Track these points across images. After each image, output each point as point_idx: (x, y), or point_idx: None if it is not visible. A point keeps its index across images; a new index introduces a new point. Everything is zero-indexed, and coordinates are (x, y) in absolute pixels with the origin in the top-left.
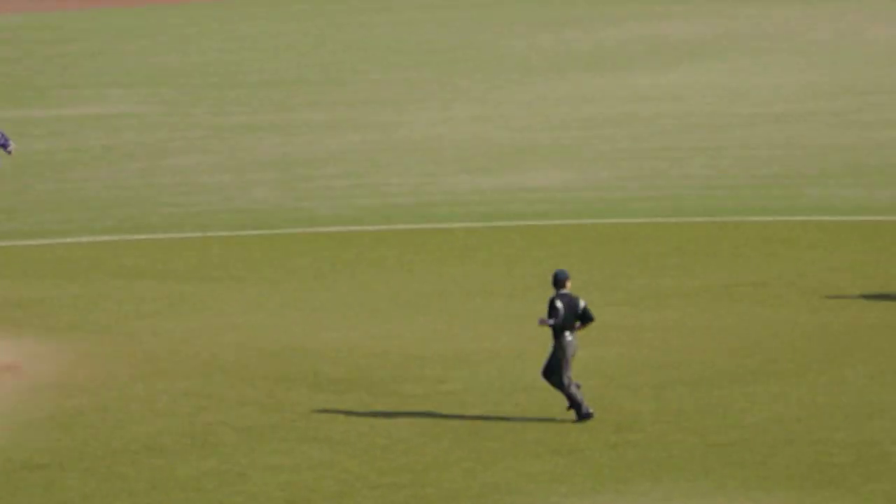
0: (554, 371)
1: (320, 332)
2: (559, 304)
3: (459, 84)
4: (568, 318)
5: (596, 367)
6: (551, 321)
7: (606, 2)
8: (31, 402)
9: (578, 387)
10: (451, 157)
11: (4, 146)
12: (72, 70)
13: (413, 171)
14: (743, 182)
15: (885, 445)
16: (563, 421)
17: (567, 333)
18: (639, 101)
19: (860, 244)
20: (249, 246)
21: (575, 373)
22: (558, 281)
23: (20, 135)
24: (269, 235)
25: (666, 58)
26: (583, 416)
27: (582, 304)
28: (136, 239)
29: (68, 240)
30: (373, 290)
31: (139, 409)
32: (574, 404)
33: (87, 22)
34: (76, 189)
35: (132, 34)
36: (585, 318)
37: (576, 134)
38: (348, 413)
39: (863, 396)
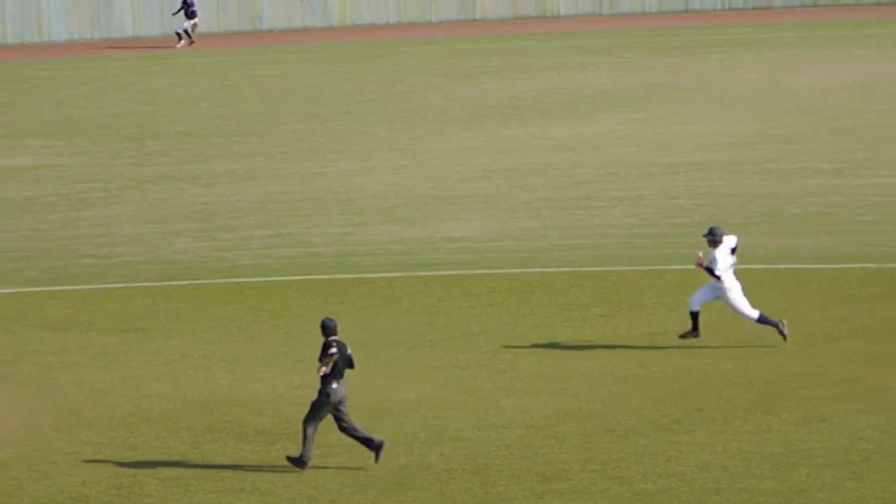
0: (312, 411)
1: (245, 382)
2: (334, 349)
3: (379, 134)
4: (341, 363)
5: (522, 417)
6: (326, 369)
7: (522, 53)
8: None
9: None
10: (372, 207)
11: None
12: None
13: (334, 221)
14: (665, 231)
15: (811, 493)
16: (487, 471)
17: (334, 382)
18: (558, 150)
19: (782, 291)
20: (173, 297)
21: (501, 421)
22: (328, 329)
23: None
24: (193, 286)
25: (584, 108)
26: (298, 460)
27: (349, 350)
28: (59, 290)
29: None
30: (297, 340)
31: (64, 461)
32: (304, 446)
33: (3, 73)
34: None
35: (48, 86)
36: (350, 364)
37: (496, 183)
38: (274, 464)
39: (788, 444)
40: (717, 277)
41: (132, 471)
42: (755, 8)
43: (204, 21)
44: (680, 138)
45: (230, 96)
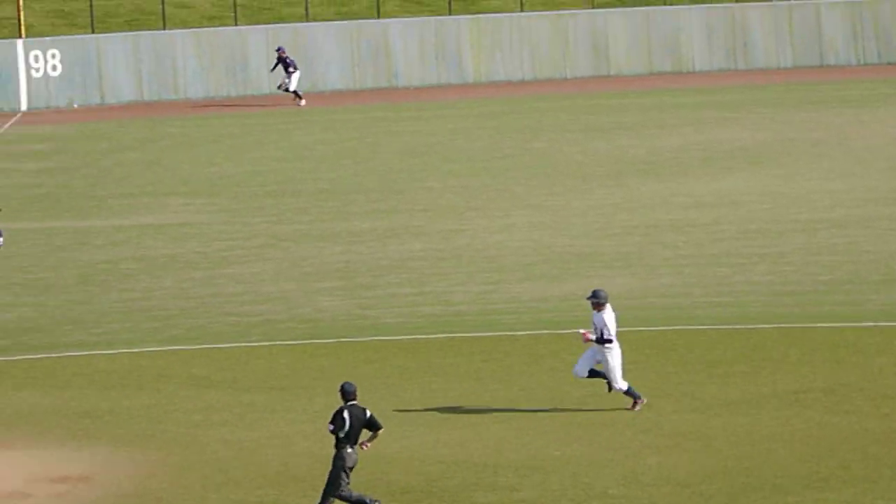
0: (333, 484)
1: (391, 440)
2: (346, 415)
3: (517, 191)
4: (356, 429)
5: (668, 474)
6: (331, 428)
7: (658, 108)
8: None
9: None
10: (512, 265)
11: None
12: (129, 180)
13: (476, 279)
14: (807, 288)
15: None
16: None
17: (349, 447)
18: (697, 207)
19: None
20: (316, 355)
21: (648, 479)
22: (347, 393)
23: (82, 244)
24: (336, 344)
25: (721, 163)
26: None
27: (368, 413)
28: (203, 348)
29: (136, 349)
30: (441, 398)
31: None
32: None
33: (143, 131)
34: (141, 298)
35: (187, 144)
36: (373, 426)
37: (636, 240)
38: None
39: None
40: (610, 341)
41: None
42: (889, 63)
43: (340, 79)
44: (818, 194)
45: (368, 153)
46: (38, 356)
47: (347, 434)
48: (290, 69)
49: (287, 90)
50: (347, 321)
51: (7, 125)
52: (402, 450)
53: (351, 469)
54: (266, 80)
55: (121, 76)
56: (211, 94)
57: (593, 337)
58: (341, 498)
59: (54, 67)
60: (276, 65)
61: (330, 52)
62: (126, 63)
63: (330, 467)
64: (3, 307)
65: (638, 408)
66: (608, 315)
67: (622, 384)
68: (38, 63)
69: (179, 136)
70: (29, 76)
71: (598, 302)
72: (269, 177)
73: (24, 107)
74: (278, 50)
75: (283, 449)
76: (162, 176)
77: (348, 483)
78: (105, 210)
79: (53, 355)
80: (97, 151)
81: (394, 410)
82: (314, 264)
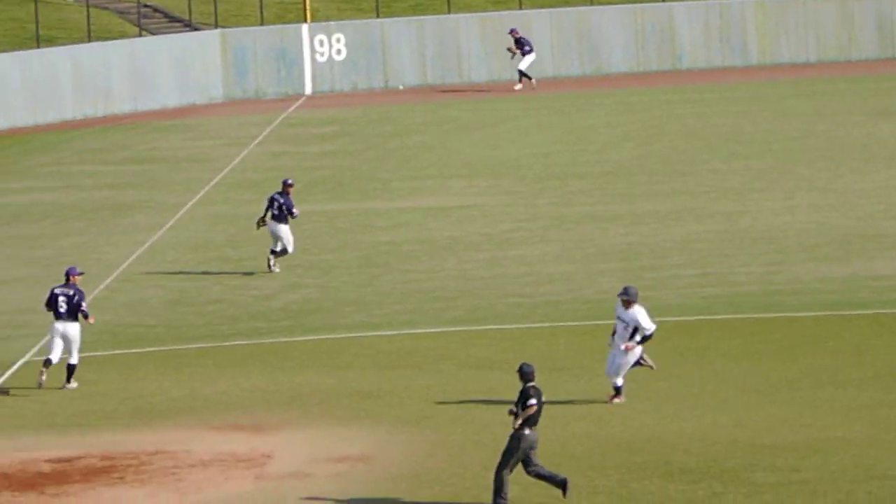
0: (505, 462)
1: (671, 421)
2: (534, 401)
3: (800, 173)
4: (536, 413)
5: None
6: (515, 410)
7: None
8: (384, 493)
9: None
10: (795, 246)
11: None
12: (413, 162)
13: (758, 260)
14: None
15: None
16: None
17: (527, 428)
18: None
19: None
20: (598, 336)
21: None
22: (526, 374)
23: (364, 226)
24: None
25: None
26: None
27: (543, 398)
28: (484, 329)
29: (416, 330)
30: (721, 379)
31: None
32: (498, 495)
33: (426, 115)
34: (423, 280)
35: (470, 126)
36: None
37: None
38: (699, 502)
39: None
40: (650, 337)
41: None
42: None
43: (624, 62)
44: None
45: (652, 136)
46: (321, 337)
47: (530, 415)
48: (527, 48)
49: (519, 71)
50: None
51: (292, 108)
52: (681, 431)
53: (531, 449)
54: (549, 63)
55: (405, 60)
56: (494, 78)
57: (635, 342)
58: (535, 475)
59: (338, 51)
60: (517, 47)
61: (614, 35)
62: (410, 47)
63: (506, 445)
64: (286, 288)
65: (616, 401)
66: (640, 312)
67: (620, 379)
68: (323, 47)
69: (462, 119)
70: (314, 60)
71: (628, 299)
72: (553, 159)
73: (308, 90)
74: (511, 31)
75: (562, 430)
76: (445, 158)
77: (536, 463)
78: (388, 192)
79: (335, 336)
80: (381, 134)
81: (673, 391)
82: (596, 246)
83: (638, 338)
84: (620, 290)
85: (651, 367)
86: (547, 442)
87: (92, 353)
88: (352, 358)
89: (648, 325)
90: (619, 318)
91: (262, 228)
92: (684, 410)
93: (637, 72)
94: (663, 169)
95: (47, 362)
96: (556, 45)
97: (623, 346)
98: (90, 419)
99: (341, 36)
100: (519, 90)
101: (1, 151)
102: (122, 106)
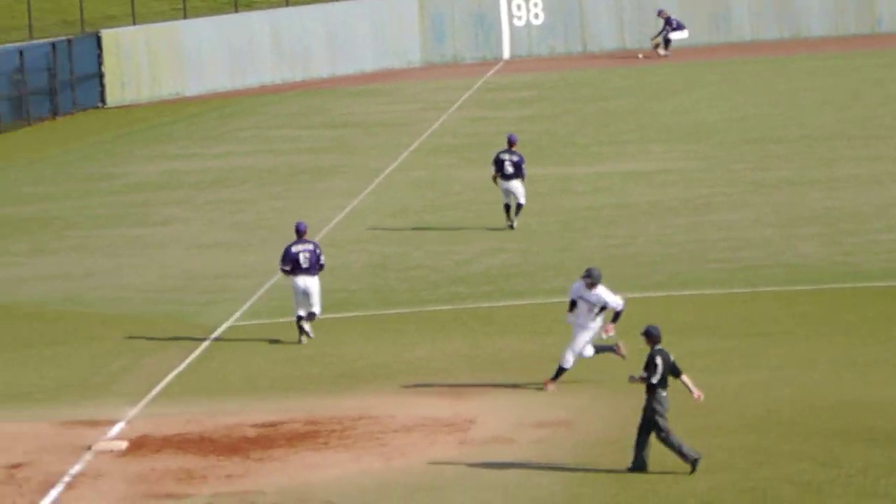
0: (658, 428)
1: (875, 387)
2: (659, 360)
3: None
4: (664, 374)
5: None
6: (645, 376)
7: None
8: (586, 459)
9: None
10: None
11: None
12: (612, 127)
13: None
14: None
15: None
16: None
17: (663, 391)
18: None
19: None
20: (798, 301)
21: None
22: (654, 337)
23: (564, 191)
24: (818, 290)
25: None
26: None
27: (672, 358)
28: (685, 294)
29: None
30: None
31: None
32: (683, 452)
33: (625, 80)
34: (622, 245)
35: (668, 91)
36: (675, 370)
37: None
38: None
39: None
40: (620, 313)
41: (764, 475)
42: None
43: (823, 26)
44: None
45: (850, 99)
46: (521, 302)
47: (661, 379)
48: (675, 27)
49: (663, 41)
50: (829, 267)
51: (490, 73)
52: (885, 397)
53: (666, 412)
54: (748, 28)
55: (602, 24)
56: (692, 43)
57: (613, 325)
58: (668, 444)
59: (536, 16)
60: (664, 28)
61: (811, 1)
62: (608, 12)
63: (643, 413)
64: (487, 253)
65: (550, 388)
66: (604, 291)
67: (568, 360)
68: (521, 12)
69: (661, 83)
70: (511, 25)
71: (592, 282)
72: (751, 123)
73: (506, 55)
74: (659, 13)
75: (765, 395)
76: (644, 123)
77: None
78: (587, 156)
79: (536, 301)
80: (580, 98)
81: (876, 357)
82: (796, 210)
83: (611, 328)
84: (584, 272)
85: (623, 357)
86: (752, 406)
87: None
88: (551, 324)
89: (616, 301)
90: (582, 298)
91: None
92: (888, 376)
93: (835, 36)
94: (862, 133)
95: (300, 318)
96: (754, 10)
97: (606, 329)
98: (294, 384)
99: (539, 1)
100: (642, 58)
101: (201, 116)
102: (320, 70)
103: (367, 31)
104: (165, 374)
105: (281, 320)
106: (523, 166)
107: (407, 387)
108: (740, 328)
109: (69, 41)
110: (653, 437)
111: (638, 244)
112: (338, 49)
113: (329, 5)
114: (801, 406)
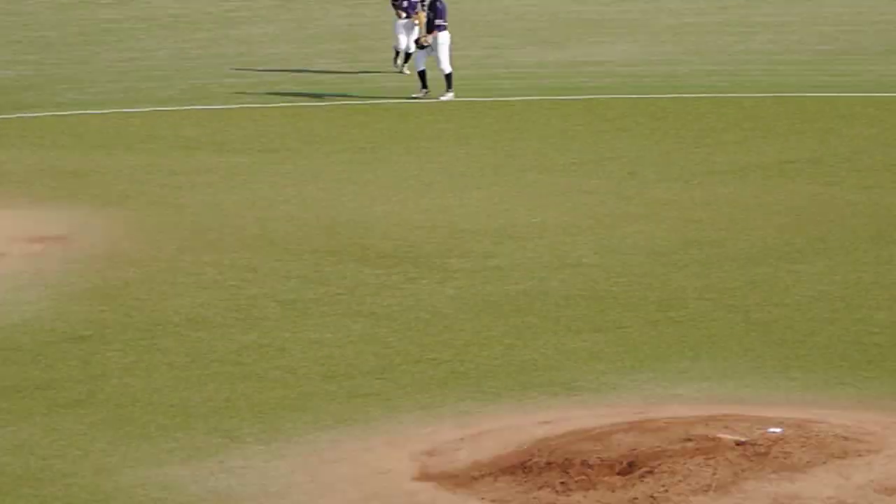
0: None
1: (372, 205)
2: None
3: None
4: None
5: (645, 243)
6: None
7: None
8: (77, 274)
9: None
10: (515, 30)
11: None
12: None
13: (478, 44)
14: (806, 58)
15: None
16: (605, 298)
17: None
18: None
19: None
20: (308, 118)
21: (624, 247)
22: None
23: (87, 2)
24: (329, 107)
25: None
26: None
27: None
28: (195, 109)
29: (128, 109)
30: (429, 163)
31: (184, 282)
32: None
33: None
34: (141, 58)
35: None
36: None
37: (642, 7)
38: (393, 287)
39: None
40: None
41: (251, 293)
42: None
43: None
44: None
45: None
46: (32, 115)
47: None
48: None
49: None
50: (345, 84)
51: None
52: (381, 215)
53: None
54: None
55: None
56: None
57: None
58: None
59: None
60: None
61: None
62: None
63: None
64: (2, 64)
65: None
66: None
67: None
68: None
69: None
70: None
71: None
72: None
73: None
74: None
75: (263, 212)
76: None
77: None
78: None
79: (47, 114)
80: None
81: (378, 175)
82: (319, 27)
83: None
84: None
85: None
86: (249, 224)
87: None
88: (58, 136)
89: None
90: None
91: None
92: (387, 195)
93: None
94: None
95: None
96: None
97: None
98: None
99: None
100: None
101: None
102: None
103: None
104: None
105: None
106: None
107: None
108: (247, 145)
109: None
110: None
111: (155, 58)
112: None
113: None
114: (297, 223)
